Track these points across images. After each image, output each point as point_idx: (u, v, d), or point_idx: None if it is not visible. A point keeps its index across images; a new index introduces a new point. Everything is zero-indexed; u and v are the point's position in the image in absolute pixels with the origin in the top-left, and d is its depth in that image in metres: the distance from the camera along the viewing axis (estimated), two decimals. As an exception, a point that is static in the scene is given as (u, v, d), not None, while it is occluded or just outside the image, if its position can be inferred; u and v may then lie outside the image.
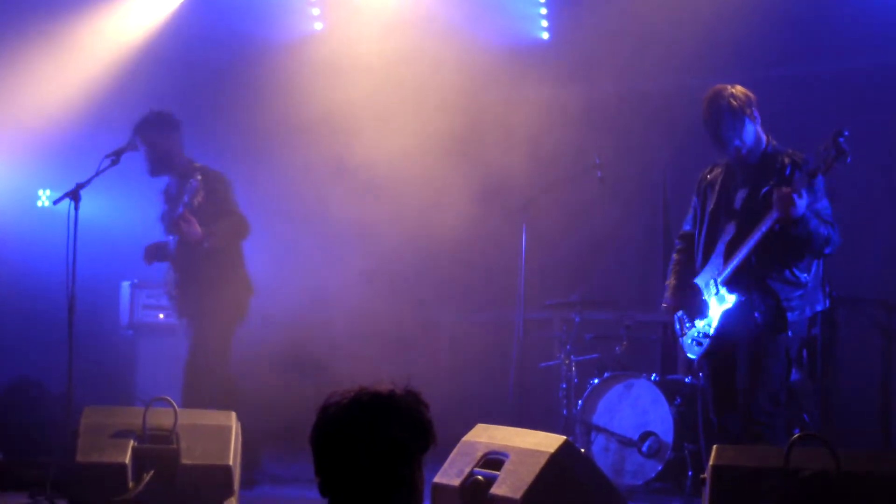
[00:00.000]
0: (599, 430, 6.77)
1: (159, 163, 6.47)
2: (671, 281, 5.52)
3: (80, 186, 5.90)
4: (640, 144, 7.92)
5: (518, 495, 4.24)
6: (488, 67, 7.97)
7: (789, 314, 5.00)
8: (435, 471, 4.58)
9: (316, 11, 8.64)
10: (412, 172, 7.76)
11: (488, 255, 8.13)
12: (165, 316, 7.78)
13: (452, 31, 8.02)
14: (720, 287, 5.14)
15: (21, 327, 7.96)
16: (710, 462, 4.17)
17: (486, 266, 8.24)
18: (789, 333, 5.03)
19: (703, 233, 5.30)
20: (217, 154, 6.93)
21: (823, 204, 4.97)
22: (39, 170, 8.32)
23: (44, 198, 8.54)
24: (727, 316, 5.13)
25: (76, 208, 5.85)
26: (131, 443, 5.19)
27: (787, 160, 5.06)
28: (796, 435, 4.28)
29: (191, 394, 6.22)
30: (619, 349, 7.06)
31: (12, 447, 6.49)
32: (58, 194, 5.98)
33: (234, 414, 5.42)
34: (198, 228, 6.21)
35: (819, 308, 5.17)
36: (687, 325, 5.35)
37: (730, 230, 5.16)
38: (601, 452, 6.71)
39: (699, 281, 5.29)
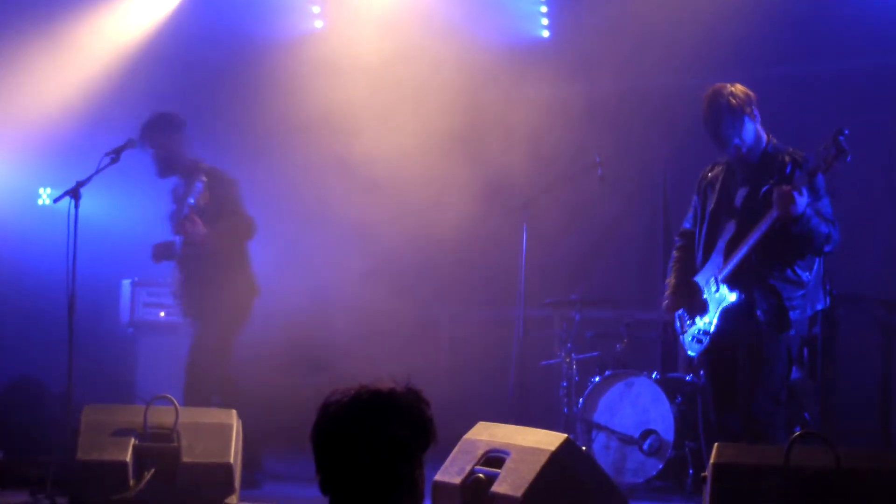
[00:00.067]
0: (600, 428, 6.77)
1: (167, 164, 6.49)
2: (671, 279, 5.52)
3: (80, 185, 5.88)
4: (641, 143, 7.92)
5: (519, 493, 4.24)
6: (488, 66, 7.96)
7: (791, 313, 5.00)
8: (436, 469, 4.59)
9: (316, 10, 8.64)
10: (412, 171, 7.75)
11: (489, 253, 8.13)
12: (166, 314, 7.78)
13: (453, 29, 8.02)
14: (720, 285, 5.14)
15: (21, 326, 7.94)
16: (711, 460, 4.18)
17: (486, 264, 8.24)
18: (791, 332, 5.04)
19: (704, 231, 5.30)
20: (217, 154, 6.91)
21: (824, 202, 4.97)
22: (40, 168, 8.31)
23: (44, 196, 8.52)
24: (727, 314, 5.12)
25: (76, 206, 5.83)
26: (132, 441, 5.20)
27: (787, 159, 5.06)
28: (797, 433, 4.29)
29: (192, 394, 6.22)
30: (620, 347, 7.07)
31: (13, 446, 6.50)
32: (58, 192, 5.96)
33: (234, 412, 5.43)
34: (202, 229, 6.22)
35: (820, 306, 5.17)
36: (687, 322, 5.35)
37: (730, 228, 5.16)
38: (602, 451, 6.71)
39: (699, 279, 5.29)
